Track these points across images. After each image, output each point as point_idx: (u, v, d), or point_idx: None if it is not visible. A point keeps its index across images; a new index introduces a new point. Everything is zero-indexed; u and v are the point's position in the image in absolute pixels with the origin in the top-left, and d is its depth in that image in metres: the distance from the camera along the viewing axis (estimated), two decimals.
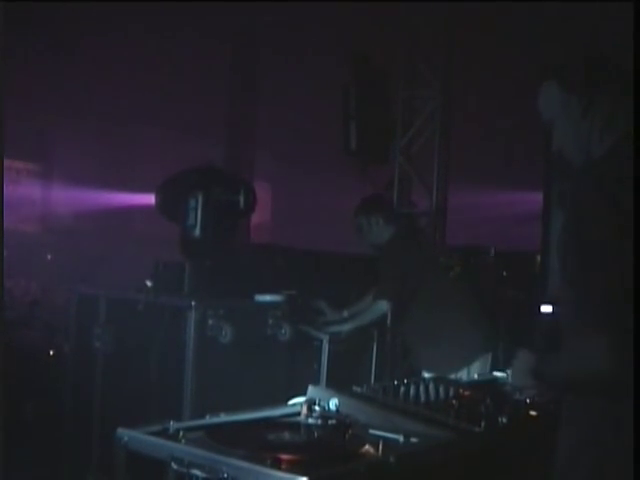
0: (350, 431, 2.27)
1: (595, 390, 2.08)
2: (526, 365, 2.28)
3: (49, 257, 9.18)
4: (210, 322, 4.09)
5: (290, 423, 2.38)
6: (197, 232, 4.34)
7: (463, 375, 4.40)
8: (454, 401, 2.64)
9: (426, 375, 4.40)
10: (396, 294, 4.66)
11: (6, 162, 4.37)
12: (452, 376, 4.23)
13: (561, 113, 2.27)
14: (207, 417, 2.40)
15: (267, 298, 4.54)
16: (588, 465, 2.09)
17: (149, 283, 4.44)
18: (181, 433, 2.19)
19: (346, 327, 4.82)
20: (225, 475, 1.97)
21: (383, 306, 4.71)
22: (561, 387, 2.25)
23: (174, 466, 2.05)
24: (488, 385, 2.95)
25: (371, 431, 2.31)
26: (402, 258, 4.73)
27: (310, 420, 2.32)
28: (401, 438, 2.25)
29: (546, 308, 5.89)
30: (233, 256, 4.78)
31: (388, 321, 5.40)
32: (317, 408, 2.37)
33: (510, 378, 2.52)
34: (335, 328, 4.79)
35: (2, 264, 3.93)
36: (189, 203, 4.35)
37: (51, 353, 6.05)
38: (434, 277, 4.83)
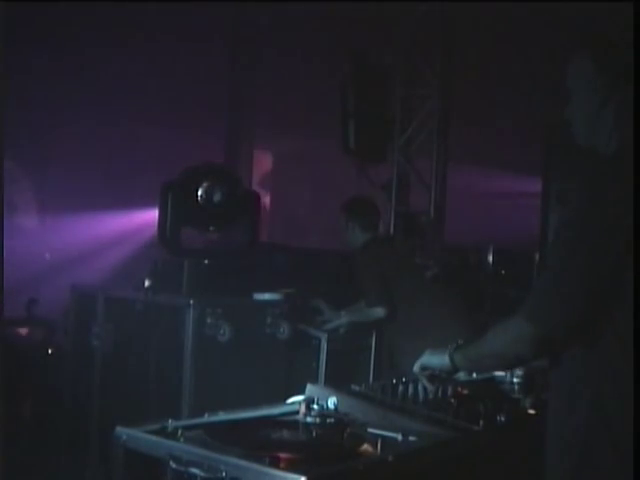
0: (348, 430, 2.27)
1: None
2: (437, 352, 2.48)
3: (47, 256, 9.17)
4: (208, 321, 4.09)
5: (288, 422, 2.38)
6: (167, 231, 4.36)
7: None
8: (452, 400, 2.64)
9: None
10: (388, 298, 4.67)
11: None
12: None
13: (583, 90, 2.20)
14: (205, 415, 2.40)
15: (266, 297, 4.54)
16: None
17: (147, 282, 4.45)
18: (179, 431, 2.19)
19: (343, 320, 4.83)
20: (223, 474, 1.97)
21: (379, 313, 4.71)
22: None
23: (172, 464, 2.05)
24: (486, 384, 2.95)
25: (370, 430, 2.31)
26: (378, 263, 4.75)
27: (308, 419, 2.32)
28: (399, 437, 2.25)
29: None
30: (231, 254, 4.79)
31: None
32: (315, 407, 2.37)
33: (420, 362, 2.58)
34: (332, 323, 4.80)
35: (2, 264, 3.93)
36: (163, 201, 4.37)
37: (50, 352, 6.04)
38: (411, 279, 4.85)
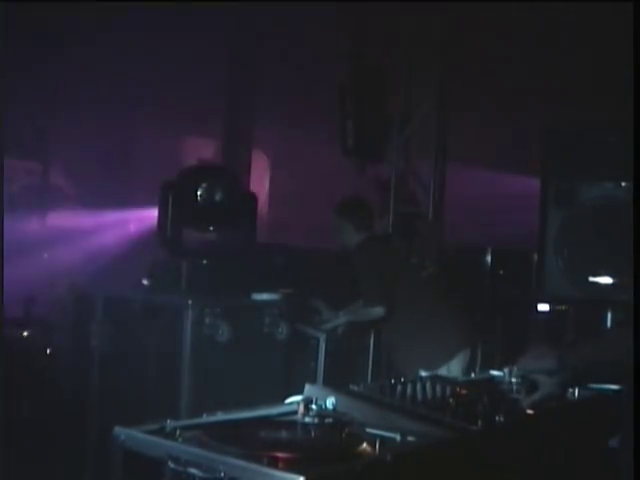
0: (347, 430, 2.27)
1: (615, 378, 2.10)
2: (538, 355, 2.41)
3: (46, 255, 9.15)
4: (207, 321, 4.09)
5: (287, 422, 2.38)
6: (168, 230, 4.36)
7: (443, 372, 4.43)
8: (451, 400, 2.64)
9: (423, 374, 4.41)
10: (386, 297, 4.67)
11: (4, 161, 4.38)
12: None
13: None
14: (204, 416, 2.39)
15: (264, 297, 4.54)
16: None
17: (146, 281, 4.45)
18: (178, 432, 2.19)
19: (341, 320, 4.83)
20: (222, 474, 1.97)
21: (378, 312, 4.71)
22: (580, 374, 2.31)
23: (171, 465, 2.05)
24: (485, 384, 2.95)
25: (368, 430, 2.31)
26: (376, 261, 4.76)
27: (307, 419, 2.32)
28: (398, 437, 2.25)
29: (543, 307, 5.90)
30: (232, 255, 4.78)
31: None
32: (314, 407, 2.37)
33: (520, 365, 2.56)
34: (331, 323, 4.81)
35: (2, 264, 3.93)
36: (163, 201, 4.37)
37: (48, 352, 6.04)
38: (408, 278, 4.86)
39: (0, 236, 4.41)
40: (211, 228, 4.67)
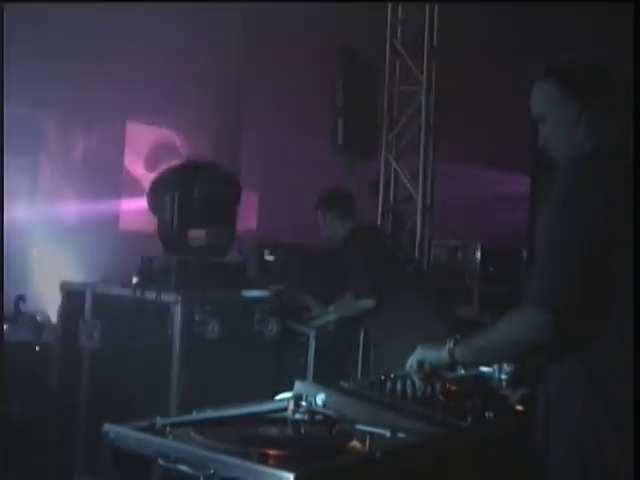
0: (337, 426, 2.27)
1: None
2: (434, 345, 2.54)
3: (35, 252, 9.13)
4: (197, 318, 4.08)
5: (277, 418, 2.38)
6: (173, 227, 4.34)
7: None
8: (441, 396, 2.64)
9: None
10: (376, 289, 4.64)
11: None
12: None
13: (554, 111, 2.34)
14: (194, 413, 2.39)
15: (254, 293, 4.53)
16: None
17: (135, 278, 4.43)
18: (168, 429, 2.18)
19: (332, 317, 4.82)
20: (212, 471, 1.97)
21: (368, 304, 4.68)
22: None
23: (161, 462, 2.05)
24: (475, 380, 2.95)
25: (358, 426, 2.31)
26: (365, 252, 4.74)
27: (297, 415, 2.32)
28: (388, 433, 2.25)
29: None
30: (221, 251, 4.78)
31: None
32: (304, 403, 2.37)
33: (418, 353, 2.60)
34: (320, 320, 4.80)
35: (2, 264, 3.91)
36: (165, 199, 4.35)
37: (37, 349, 6.01)
38: (394, 271, 4.83)
39: (0, 236, 4.40)
40: (203, 225, 4.66)
